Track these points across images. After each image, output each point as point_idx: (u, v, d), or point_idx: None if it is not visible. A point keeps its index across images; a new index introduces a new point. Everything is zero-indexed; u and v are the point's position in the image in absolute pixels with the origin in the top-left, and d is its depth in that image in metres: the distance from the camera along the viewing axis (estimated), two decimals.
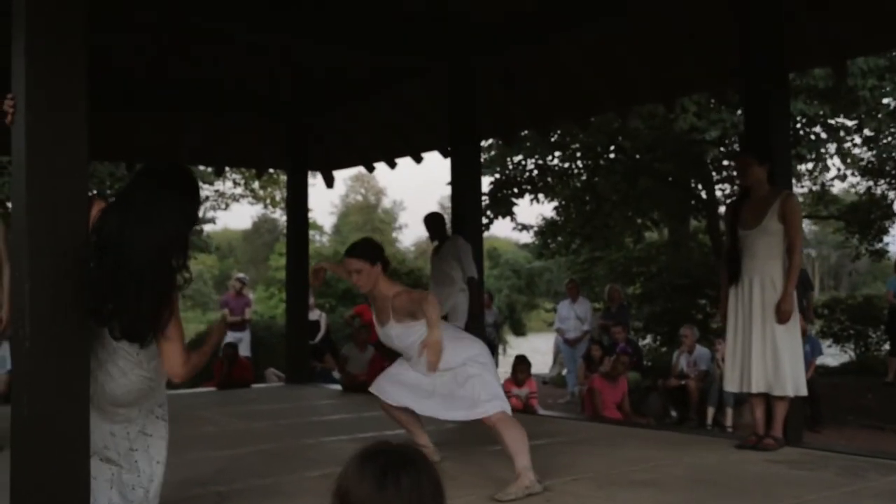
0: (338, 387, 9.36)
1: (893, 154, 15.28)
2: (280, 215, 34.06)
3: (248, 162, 11.99)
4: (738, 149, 13.43)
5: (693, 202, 15.18)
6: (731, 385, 5.42)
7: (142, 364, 3.12)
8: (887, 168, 15.47)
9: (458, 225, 7.85)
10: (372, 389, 4.94)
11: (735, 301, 5.39)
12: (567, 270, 20.14)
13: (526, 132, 11.35)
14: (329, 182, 11.09)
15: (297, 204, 10.05)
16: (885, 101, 10.94)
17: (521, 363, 8.65)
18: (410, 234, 75.69)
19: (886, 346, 13.85)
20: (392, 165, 10.14)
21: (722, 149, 12.64)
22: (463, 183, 7.85)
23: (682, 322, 16.06)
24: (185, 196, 3.14)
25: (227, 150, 10.05)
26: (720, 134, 10.66)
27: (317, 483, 4.50)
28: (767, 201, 5.28)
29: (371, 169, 10.56)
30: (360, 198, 60.12)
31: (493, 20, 6.92)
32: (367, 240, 5.07)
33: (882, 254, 16.72)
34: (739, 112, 10.83)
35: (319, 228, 45.56)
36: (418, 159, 9.70)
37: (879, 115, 11.02)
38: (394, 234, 56.80)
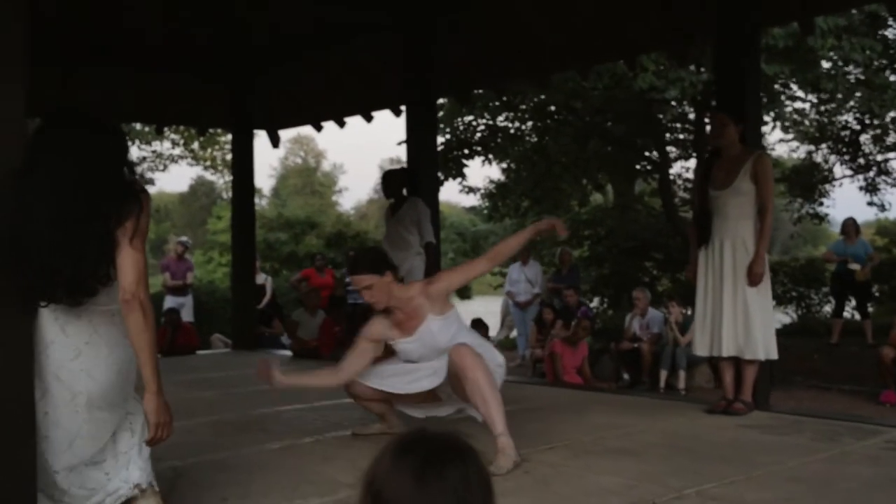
0: (287, 353, 9.09)
1: (837, 118, 15.47)
2: (218, 178, 33.31)
3: (189, 121, 11.50)
4: (693, 109, 13.43)
5: (643, 164, 15.14)
6: (701, 349, 5.31)
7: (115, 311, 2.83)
8: (829, 133, 15.65)
9: (415, 187, 7.59)
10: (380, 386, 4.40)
11: (705, 263, 5.27)
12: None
13: (479, 91, 11.08)
14: (275, 142, 10.71)
15: (242, 165, 9.67)
16: (848, 66, 10.90)
17: (479, 326, 8.50)
18: (350, 198, 75.21)
19: (828, 308, 14.11)
20: (341, 125, 9.82)
21: (679, 109, 12.56)
22: (418, 144, 7.58)
23: (630, 285, 16.14)
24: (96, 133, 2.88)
25: (166, 108, 9.55)
26: (679, 93, 10.55)
27: (279, 456, 4.29)
28: (740, 161, 5.14)
29: (319, 128, 10.20)
30: (299, 161, 59.18)
31: None
32: (367, 250, 4.82)
33: (821, 217, 16.97)
34: (703, 70, 10.73)
35: (258, 191, 44.80)
36: (368, 118, 9.39)
37: (836, 76, 11.02)
38: (333, 198, 56.28)
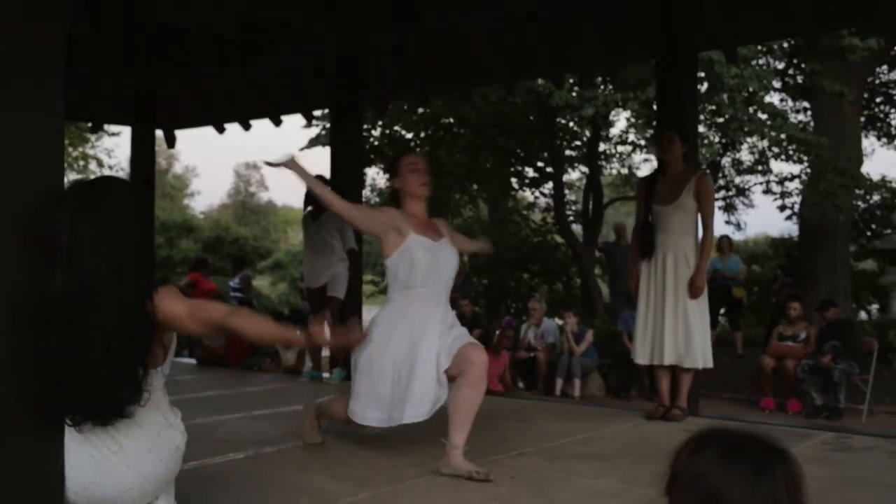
0: (191, 361, 8.79)
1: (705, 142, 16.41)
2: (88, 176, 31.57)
3: (84, 116, 10.85)
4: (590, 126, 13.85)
5: (530, 177, 15.54)
6: (641, 358, 5.54)
7: (162, 408, 2.59)
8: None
9: (339, 194, 7.50)
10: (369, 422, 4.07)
11: (647, 275, 5.50)
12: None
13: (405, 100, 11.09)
14: (170, 142, 10.34)
15: (142, 163, 9.28)
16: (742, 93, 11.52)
17: None
18: (202, 201, 73.19)
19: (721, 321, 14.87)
20: (246, 127, 9.62)
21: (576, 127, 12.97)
22: (344, 151, 7.52)
23: (507, 296, 16.55)
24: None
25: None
26: (594, 111, 10.93)
27: (251, 466, 4.17)
28: (683, 179, 5.41)
29: (221, 130, 9.94)
30: None
31: None
32: None
33: None
34: (611, 89, 11.10)
35: None
36: (277, 122, 9.26)
37: (735, 102, 11.72)
38: (185, 201, 54.59)
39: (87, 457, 2.45)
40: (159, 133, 9.88)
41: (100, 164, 20.71)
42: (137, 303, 2.39)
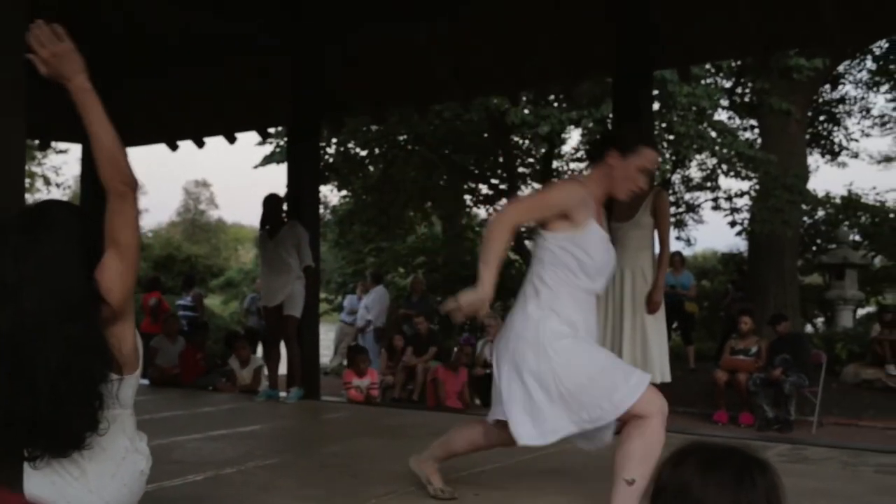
0: (144, 381, 8.61)
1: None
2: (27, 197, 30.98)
3: (32, 132, 10.66)
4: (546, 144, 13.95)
5: (483, 194, 15.63)
6: None
7: (128, 432, 2.52)
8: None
9: (296, 211, 7.47)
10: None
11: (605, 291, 5.52)
12: (342, 261, 20.02)
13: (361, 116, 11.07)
14: None
15: (92, 181, 9.07)
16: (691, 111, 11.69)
17: (361, 353, 8.44)
18: (151, 219, 72.14)
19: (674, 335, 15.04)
20: (200, 144, 9.53)
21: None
22: (300, 168, 7.49)
23: None
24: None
25: None
26: (549, 129, 11.04)
27: (211, 487, 4.10)
28: (640, 196, 5.45)
29: (174, 147, 9.82)
30: None
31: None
32: None
33: None
34: (566, 106, 11.21)
35: None
36: (231, 139, 9.17)
37: (686, 120, 11.93)
38: None
39: (48, 483, 2.38)
40: None
41: (47, 182, 20.31)
42: (84, 334, 2.29)
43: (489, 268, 3.19)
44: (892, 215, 17.02)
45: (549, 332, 3.29)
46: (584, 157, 15.57)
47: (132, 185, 2.38)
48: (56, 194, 22.05)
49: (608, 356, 3.51)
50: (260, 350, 9.06)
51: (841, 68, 16.90)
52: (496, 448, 3.81)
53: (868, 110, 19.38)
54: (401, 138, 13.73)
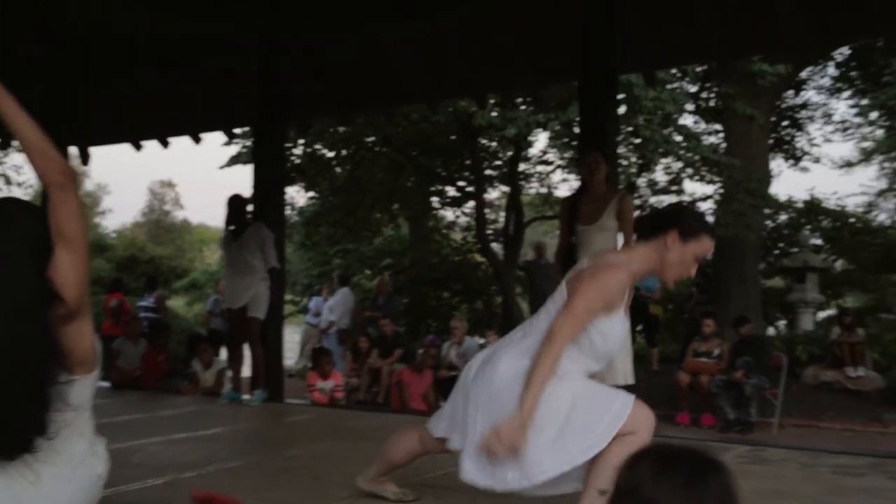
0: (105, 384, 8.50)
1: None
2: None
3: None
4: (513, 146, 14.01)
5: (449, 197, 15.63)
6: None
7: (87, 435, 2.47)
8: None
9: (261, 212, 7.42)
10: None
11: None
12: (308, 262, 19.94)
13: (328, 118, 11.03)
14: (84, 159, 10.08)
15: None
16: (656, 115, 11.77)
17: (325, 355, 8.40)
18: (114, 220, 71.54)
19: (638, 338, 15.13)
20: (165, 144, 9.45)
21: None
22: (266, 169, 7.45)
23: (428, 315, 16.56)
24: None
25: None
26: (516, 132, 11.07)
27: (170, 492, 4.05)
28: (606, 199, 5.52)
29: (139, 147, 9.72)
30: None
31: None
32: None
33: None
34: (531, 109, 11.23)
35: None
36: (197, 139, 9.11)
37: (651, 124, 12.03)
38: (96, 220, 53.20)
39: (2, 487, 2.34)
40: (73, 150, 9.61)
41: (7, 181, 19.95)
42: (33, 335, 2.24)
43: (534, 395, 2.95)
44: (852, 220, 17.31)
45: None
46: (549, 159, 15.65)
47: (69, 175, 2.35)
48: (17, 193, 21.71)
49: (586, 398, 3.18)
50: (224, 352, 8.99)
51: (804, 74, 17.16)
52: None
53: (830, 116, 19.74)
54: (368, 140, 13.72)
